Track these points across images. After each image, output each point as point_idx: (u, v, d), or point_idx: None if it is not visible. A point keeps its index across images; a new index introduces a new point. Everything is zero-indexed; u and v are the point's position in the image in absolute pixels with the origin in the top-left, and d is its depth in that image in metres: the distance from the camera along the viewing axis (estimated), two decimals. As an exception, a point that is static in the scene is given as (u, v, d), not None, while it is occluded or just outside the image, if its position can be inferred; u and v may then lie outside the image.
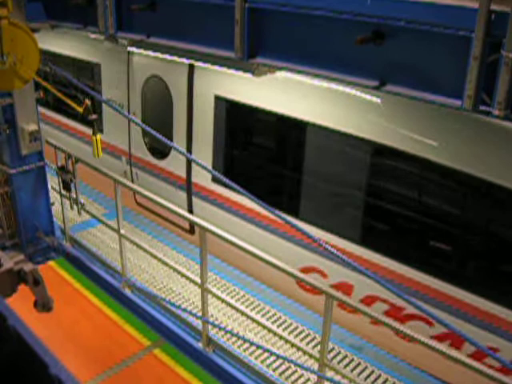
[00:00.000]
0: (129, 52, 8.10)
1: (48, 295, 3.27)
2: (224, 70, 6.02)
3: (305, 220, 6.40)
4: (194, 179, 7.81)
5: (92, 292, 6.54)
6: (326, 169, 6.35)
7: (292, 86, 6.39)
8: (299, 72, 4.24)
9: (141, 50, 6.76)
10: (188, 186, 7.91)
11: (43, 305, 3.29)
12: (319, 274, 6.47)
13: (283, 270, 4.57)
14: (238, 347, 5.71)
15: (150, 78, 8.12)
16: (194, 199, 7.90)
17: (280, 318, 6.23)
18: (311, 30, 3.96)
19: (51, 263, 7.02)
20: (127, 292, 6.35)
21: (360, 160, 5.95)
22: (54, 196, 7.12)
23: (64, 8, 6.02)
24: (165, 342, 5.74)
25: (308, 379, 5.37)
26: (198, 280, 5.37)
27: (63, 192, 6.94)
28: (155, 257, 5.96)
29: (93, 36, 8.60)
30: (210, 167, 7.18)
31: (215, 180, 7.45)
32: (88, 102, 6.11)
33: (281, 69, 4.53)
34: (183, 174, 7.93)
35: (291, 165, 6.82)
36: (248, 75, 5.56)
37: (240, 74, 5.76)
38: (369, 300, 5.95)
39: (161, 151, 8.34)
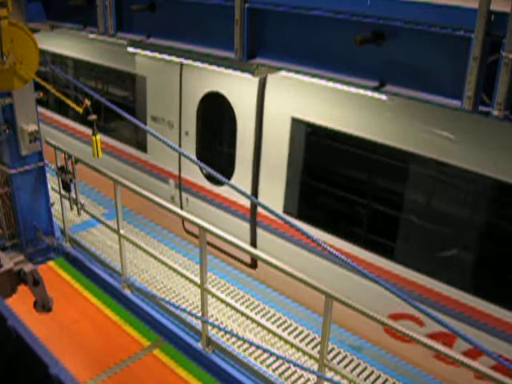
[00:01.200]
0: (182, 64, 7.37)
1: (48, 295, 3.27)
2: (304, 91, 5.70)
3: (403, 263, 5.68)
4: (260, 209, 6.93)
5: (92, 292, 6.54)
6: (435, 206, 5.58)
7: (399, 112, 5.57)
8: (299, 72, 4.24)
9: (197, 63, 6.01)
10: (252, 217, 7.07)
11: (43, 305, 3.29)
12: (413, 322, 5.68)
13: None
14: (238, 347, 5.71)
15: (208, 94, 7.27)
16: (260, 232, 7.00)
17: (280, 318, 6.23)
18: (311, 31, 3.96)
19: (51, 263, 7.03)
20: (127, 292, 6.35)
21: (481, 197, 5.27)
22: (53, 196, 7.12)
23: (64, 8, 6.02)
24: (164, 343, 5.74)
25: (308, 380, 5.37)
26: (198, 280, 5.37)
27: (63, 192, 6.93)
28: (155, 257, 5.96)
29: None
30: (281, 199, 6.60)
31: (288, 211, 6.60)
32: (88, 102, 6.09)
33: (280, 69, 4.52)
34: (247, 204, 7.10)
35: (390, 200, 5.82)
36: (331, 96, 5.27)
37: (325, 94, 5.42)
38: (473, 354, 4.91)
39: (220, 175, 7.54)
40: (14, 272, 3.07)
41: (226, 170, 7.05)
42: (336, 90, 5.29)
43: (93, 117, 5.87)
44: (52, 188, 7.14)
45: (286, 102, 6.43)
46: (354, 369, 5.53)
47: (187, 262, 7.28)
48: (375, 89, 3.74)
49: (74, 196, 6.82)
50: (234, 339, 5.78)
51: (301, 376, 5.42)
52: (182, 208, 7.88)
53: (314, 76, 4.12)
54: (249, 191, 6.86)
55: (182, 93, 7.60)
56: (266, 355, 5.62)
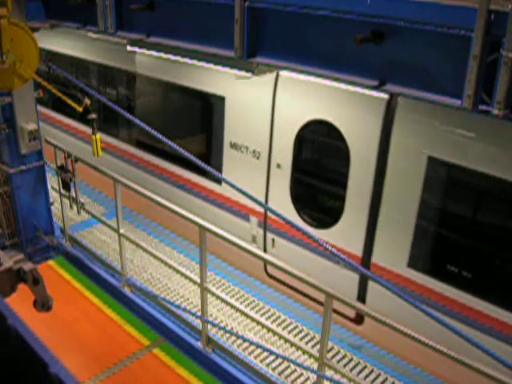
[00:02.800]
0: (276, 84, 6.29)
1: (47, 294, 3.26)
2: (447, 123, 4.88)
3: None
4: (375, 259, 5.89)
5: (92, 291, 6.54)
6: None
7: None
8: (298, 71, 4.24)
9: (292, 85, 5.71)
10: (364, 265, 5.96)
11: (43, 304, 3.28)
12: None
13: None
14: (238, 346, 5.71)
15: (311, 122, 6.13)
16: (373, 285, 5.95)
17: (279, 317, 6.23)
18: (311, 30, 3.96)
19: (51, 262, 7.03)
20: (127, 291, 6.35)
21: None
22: (53, 195, 7.12)
23: (63, 7, 6.01)
24: (164, 342, 5.74)
25: (307, 378, 5.37)
26: (198, 279, 5.37)
27: (63, 191, 6.93)
28: (155, 256, 5.96)
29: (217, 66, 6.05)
30: (406, 249, 5.57)
31: (414, 265, 5.56)
32: (87, 101, 6.09)
33: (280, 68, 4.52)
34: (358, 252, 5.97)
35: None
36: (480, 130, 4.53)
37: (475, 128, 4.60)
38: None
39: (322, 216, 6.33)
40: (14, 271, 3.07)
41: (331, 212, 6.16)
42: (483, 126, 4.79)
43: (92, 116, 5.87)
44: (52, 187, 7.13)
45: (421, 136, 5.29)
46: (354, 368, 5.53)
47: (187, 261, 7.29)
48: (375, 88, 3.74)
49: (74, 195, 6.81)
50: (233, 338, 5.79)
51: (300, 375, 5.42)
52: (265, 250, 6.88)
53: (313, 75, 4.12)
54: (361, 237, 5.89)
55: (274, 118, 6.42)
56: (265, 354, 5.62)
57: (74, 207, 6.89)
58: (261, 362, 5.53)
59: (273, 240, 6.81)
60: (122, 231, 6.17)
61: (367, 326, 6.02)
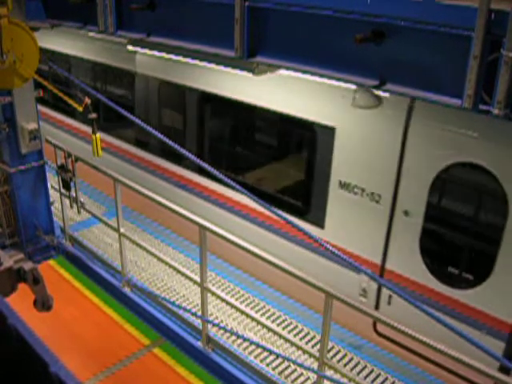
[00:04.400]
0: (410, 114, 5.38)
1: (48, 294, 3.27)
2: None
3: None
4: None
5: (92, 291, 6.54)
6: None
7: None
8: (298, 71, 4.24)
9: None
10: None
11: (43, 303, 3.29)
12: None
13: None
14: (238, 346, 5.71)
15: (456, 164, 5.21)
16: None
17: (280, 316, 6.23)
18: (311, 29, 3.96)
19: (51, 262, 7.03)
20: (127, 291, 6.35)
21: None
22: (53, 195, 7.12)
23: (64, 7, 6.01)
24: (164, 341, 5.74)
25: (307, 378, 5.37)
26: (198, 279, 5.37)
27: (63, 191, 6.93)
28: (155, 255, 5.96)
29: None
30: None
31: None
32: (88, 100, 6.08)
33: (280, 67, 4.52)
34: (508, 318, 5.09)
35: None
36: None
37: None
38: None
39: (462, 274, 5.38)
40: (14, 270, 3.07)
41: (478, 269, 5.29)
42: None
43: (93, 115, 5.86)
44: (52, 186, 7.13)
45: None
46: (354, 367, 5.53)
47: (187, 260, 7.29)
48: (375, 87, 3.74)
49: (74, 194, 6.82)
50: (233, 338, 5.79)
51: (300, 374, 5.42)
52: (377, 307, 5.98)
53: (313, 75, 4.11)
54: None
55: (404, 156, 5.48)
56: (265, 353, 5.62)
57: (75, 207, 6.90)
58: (261, 361, 5.54)
59: (389, 297, 5.79)
60: (122, 230, 6.17)
61: None
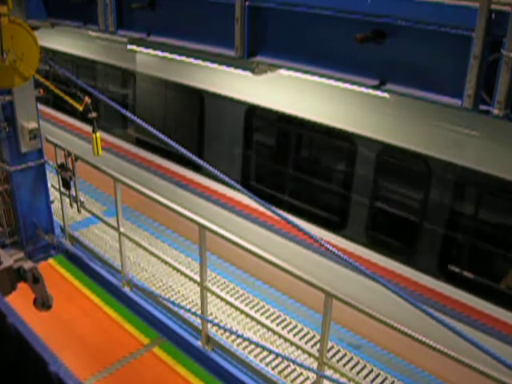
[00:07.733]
0: None
1: (47, 293, 3.27)
2: None
3: None
4: None
5: (91, 290, 6.55)
6: None
7: None
8: (299, 70, 4.23)
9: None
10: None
11: (43, 303, 3.29)
12: None
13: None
14: (238, 345, 5.71)
15: None
16: None
17: (279, 316, 6.23)
18: (311, 29, 3.96)
19: (51, 261, 7.03)
20: (127, 290, 6.35)
21: None
22: (53, 194, 7.12)
23: (64, 6, 6.01)
24: (164, 341, 5.74)
25: (307, 378, 5.37)
26: (198, 278, 5.37)
27: (63, 190, 6.93)
28: (155, 255, 5.96)
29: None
30: None
31: None
32: (88, 99, 6.07)
33: (280, 67, 4.51)
34: None
35: None
36: None
37: None
38: None
39: None
40: (14, 269, 3.07)
41: None
42: None
43: (93, 115, 5.85)
44: (52, 185, 7.13)
45: None
46: (354, 367, 5.53)
47: (188, 260, 7.29)
48: (375, 87, 3.74)
49: (74, 193, 6.82)
50: (233, 337, 5.79)
51: (300, 374, 5.42)
52: None
53: (313, 74, 4.11)
54: None
55: None
56: (265, 353, 5.62)
57: (74, 206, 6.90)
58: (260, 361, 5.54)
59: None
60: (122, 230, 6.17)
61: None
